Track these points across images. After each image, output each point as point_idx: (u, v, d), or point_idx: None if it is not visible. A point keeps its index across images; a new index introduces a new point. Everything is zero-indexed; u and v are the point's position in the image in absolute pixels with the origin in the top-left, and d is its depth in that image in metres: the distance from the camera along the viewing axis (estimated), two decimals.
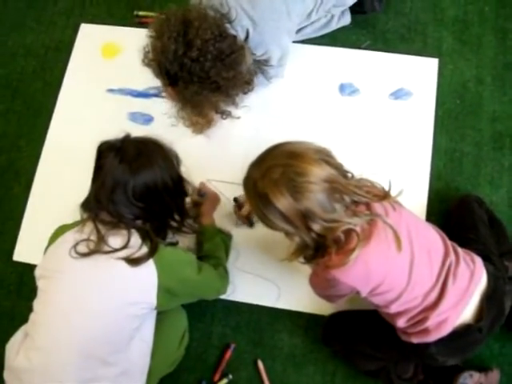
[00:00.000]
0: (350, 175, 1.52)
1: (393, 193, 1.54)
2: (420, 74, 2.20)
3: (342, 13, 2.22)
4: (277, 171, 1.39)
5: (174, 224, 1.75)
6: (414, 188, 2.03)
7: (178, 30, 1.69)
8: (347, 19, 2.24)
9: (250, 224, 2.02)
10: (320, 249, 1.49)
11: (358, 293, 1.52)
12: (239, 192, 1.89)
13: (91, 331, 1.50)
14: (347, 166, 1.52)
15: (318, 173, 1.39)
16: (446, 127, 2.13)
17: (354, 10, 2.22)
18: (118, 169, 1.54)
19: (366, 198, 1.46)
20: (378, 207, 1.48)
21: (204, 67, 1.71)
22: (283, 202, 1.38)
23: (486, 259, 1.65)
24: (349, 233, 1.42)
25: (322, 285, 1.62)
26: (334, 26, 2.24)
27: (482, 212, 1.90)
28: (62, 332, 1.49)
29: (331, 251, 1.44)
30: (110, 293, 1.52)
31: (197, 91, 1.78)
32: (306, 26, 2.19)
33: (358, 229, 1.42)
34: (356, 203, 1.46)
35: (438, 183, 2.07)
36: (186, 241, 1.96)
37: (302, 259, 1.57)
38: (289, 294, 1.96)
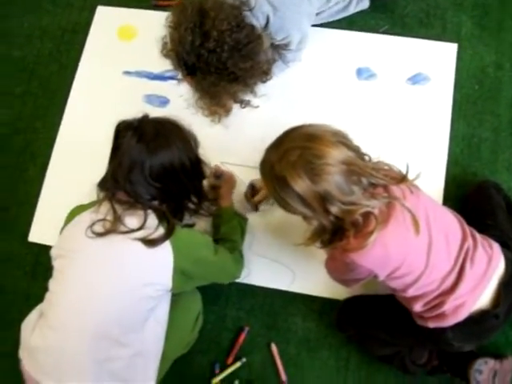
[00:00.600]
0: (367, 158, 1.50)
1: (410, 176, 1.52)
2: (438, 59, 2.17)
3: None
4: (294, 154, 1.38)
5: (191, 206, 1.74)
6: (430, 173, 2.01)
7: (195, 21, 1.68)
8: (365, 3, 2.22)
9: (256, 209, 2.02)
10: (338, 232, 1.47)
11: (375, 276, 1.52)
12: (254, 175, 1.89)
13: (105, 311, 1.50)
14: (364, 150, 1.51)
15: (336, 155, 1.37)
16: (464, 112, 2.11)
17: None
18: (136, 148, 1.54)
19: (383, 181, 1.45)
20: (395, 190, 1.47)
21: (221, 58, 1.71)
22: (301, 185, 1.37)
23: (504, 246, 1.63)
24: (367, 216, 1.41)
25: (340, 269, 1.61)
26: (351, 10, 2.22)
27: (500, 198, 1.88)
28: (76, 312, 1.49)
29: (349, 234, 1.44)
30: (126, 273, 1.52)
31: (214, 82, 1.78)
32: (323, 10, 2.17)
33: (376, 211, 1.40)
34: (374, 186, 1.45)
35: (455, 169, 2.05)
36: (202, 223, 1.96)
37: (318, 244, 1.56)
38: (303, 278, 1.96)
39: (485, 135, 2.08)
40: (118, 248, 1.52)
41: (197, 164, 1.70)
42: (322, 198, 1.38)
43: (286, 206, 1.47)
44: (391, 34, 2.23)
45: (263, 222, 2.01)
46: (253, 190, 1.99)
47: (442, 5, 2.26)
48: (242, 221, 1.95)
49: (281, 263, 1.97)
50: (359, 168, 1.40)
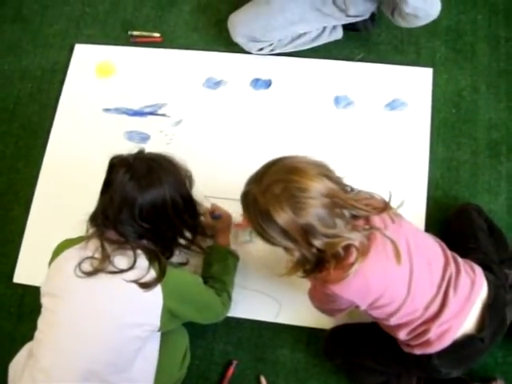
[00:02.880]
0: (349, 189, 1.51)
1: (393, 204, 1.53)
2: (415, 84, 2.20)
3: (334, 27, 2.23)
4: (278, 187, 1.38)
5: (183, 242, 1.73)
6: (412, 198, 2.02)
7: None
8: (339, 33, 2.26)
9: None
10: (319, 263, 1.48)
11: (357, 307, 1.52)
12: (236, 208, 1.90)
13: (94, 352, 1.49)
14: (345, 179, 1.51)
15: (319, 188, 1.38)
16: (443, 136, 2.13)
17: (346, 27, 2.24)
18: (128, 186, 1.52)
19: (365, 212, 1.45)
20: (376, 220, 1.47)
21: None
22: (285, 218, 1.37)
23: (487, 268, 1.63)
24: (348, 248, 1.41)
25: (321, 299, 1.62)
26: (325, 39, 2.25)
27: (482, 220, 1.89)
28: (66, 353, 1.48)
29: (330, 266, 1.44)
30: (114, 314, 1.50)
31: None
32: (298, 37, 2.22)
33: (357, 243, 1.41)
34: (355, 217, 1.45)
35: (436, 193, 2.06)
36: (194, 260, 1.92)
37: (300, 273, 1.55)
38: (289, 308, 1.95)
39: (464, 158, 2.10)
40: (106, 289, 1.50)
41: (190, 202, 1.68)
42: (305, 231, 1.38)
43: (268, 238, 1.47)
44: (367, 61, 2.26)
45: (246, 253, 2.00)
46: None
47: (415, 31, 2.28)
48: (236, 261, 1.94)
49: (266, 295, 1.97)
50: (342, 200, 1.40)
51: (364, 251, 1.41)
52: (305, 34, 2.22)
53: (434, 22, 2.27)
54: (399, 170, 2.08)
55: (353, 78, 2.23)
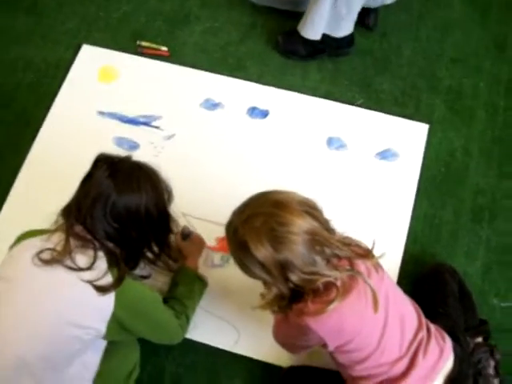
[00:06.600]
0: (333, 231, 1.47)
1: (375, 253, 1.50)
2: (409, 137, 2.22)
3: None
4: (258, 219, 1.37)
5: (149, 255, 1.71)
6: (389, 248, 1.97)
7: None
8: None
9: None
10: (295, 297, 1.44)
11: (324, 346, 1.48)
12: (212, 230, 1.89)
13: (32, 343, 1.44)
14: (332, 222, 1.47)
15: (301, 224, 1.35)
16: (429, 193, 2.14)
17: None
18: (105, 183, 1.50)
19: (347, 253, 1.42)
20: (360, 265, 1.45)
21: None
22: (262, 251, 1.35)
23: (454, 339, 1.61)
24: (329, 285, 1.39)
25: (291, 332, 1.56)
26: None
27: (454, 284, 1.87)
28: (2, 337, 1.44)
29: (307, 298, 1.41)
30: (60, 309, 1.45)
31: None
32: None
33: (338, 283, 1.38)
34: (338, 257, 1.42)
35: (414, 247, 2.05)
36: (161, 277, 1.91)
37: (276, 308, 1.52)
38: (248, 339, 1.91)
39: (446, 218, 2.10)
40: (59, 282, 1.46)
41: (165, 216, 1.66)
42: (282, 265, 1.36)
43: (246, 270, 1.45)
44: (365, 107, 2.28)
45: (213, 277, 1.96)
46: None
47: (417, 85, 2.33)
48: (203, 287, 1.90)
49: (227, 322, 1.93)
50: (324, 238, 1.38)
51: (345, 290, 1.39)
52: None
53: (437, 80, 2.32)
54: (381, 218, 2.08)
55: (349, 121, 2.25)
